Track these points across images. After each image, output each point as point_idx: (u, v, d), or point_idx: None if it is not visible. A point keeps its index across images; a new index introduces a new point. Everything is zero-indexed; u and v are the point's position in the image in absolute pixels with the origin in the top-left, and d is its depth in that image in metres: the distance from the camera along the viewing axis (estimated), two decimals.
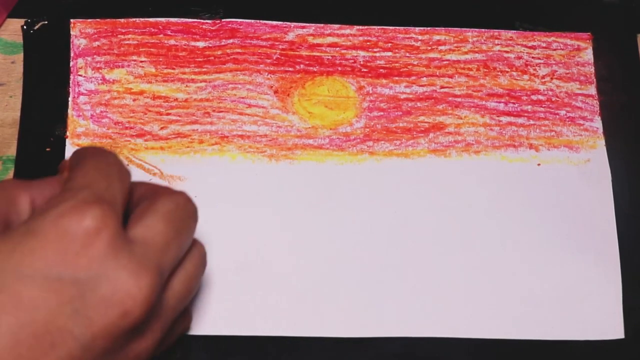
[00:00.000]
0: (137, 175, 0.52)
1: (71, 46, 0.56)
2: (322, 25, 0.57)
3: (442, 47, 0.57)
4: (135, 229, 0.39)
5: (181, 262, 0.41)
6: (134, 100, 0.54)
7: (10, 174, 0.52)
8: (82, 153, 0.42)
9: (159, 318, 0.39)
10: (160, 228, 0.39)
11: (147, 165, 0.53)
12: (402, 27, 0.57)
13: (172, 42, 0.56)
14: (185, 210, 0.41)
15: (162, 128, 0.54)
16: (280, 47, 0.56)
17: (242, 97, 0.55)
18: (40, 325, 0.35)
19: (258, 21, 0.57)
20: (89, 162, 0.40)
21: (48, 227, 0.36)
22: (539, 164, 0.54)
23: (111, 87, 0.55)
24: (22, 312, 0.35)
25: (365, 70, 0.56)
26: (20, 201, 0.40)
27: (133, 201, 0.42)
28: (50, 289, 0.35)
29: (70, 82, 0.55)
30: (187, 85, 0.55)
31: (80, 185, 0.38)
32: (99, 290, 0.36)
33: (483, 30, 0.58)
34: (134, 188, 0.42)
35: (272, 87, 0.55)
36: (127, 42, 0.56)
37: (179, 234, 0.40)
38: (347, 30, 0.57)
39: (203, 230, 0.51)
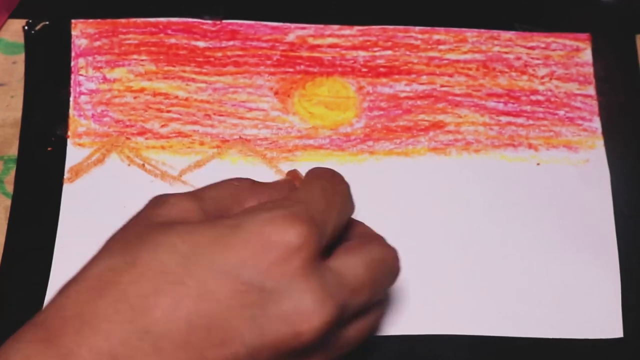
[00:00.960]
0: (138, 176, 0.52)
1: (72, 46, 0.56)
2: (322, 26, 0.57)
3: (442, 47, 0.57)
4: (336, 261, 0.39)
5: (364, 313, 0.41)
6: (135, 97, 0.55)
7: (12, 174, 0.52)
8: (318, 172, 0.42)
9: (325, 351, 0.39)
10: (360, 270, 0.39)
11: (149, 166, 0.53)
12: (402, 27, 0.57)
13: (172, 41, 0.56)
14: (390, 266, 0.41)
15: (162, 126, 0.54)
16: (281, 48, 0.57)
17: (243, 101, 0.55)
18: (216, 320, 0.35)
19: (258, 22, 0.57)
20: (318, 182, 0.41)
21: (253, 228, 0.37)
22: (538, 164, 0.54)
23: (112, 86, 0.55)
24: (204, 302, 0.35)
25: (365, 70, 0.56)
26: (246, 203, 0.41)
27: (346, 236, 0.42)
28: (237, 288, 0.36)
29: (72, 81, 0.55)
30: (187, 84, 0.55)
31: (299, 199, 0.39)
32: (280, 304, 0.36)
33: (482, 30, 0.58)
34: (353, 224, 0.43)
35: (272, 88, 0.56)
36: (128, 41, 0.56)
37: (375, 285, 0.40)
38: (347, 30, 0.57)
39: None
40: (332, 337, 0.39)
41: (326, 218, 0.39)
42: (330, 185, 0.41)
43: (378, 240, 0.42)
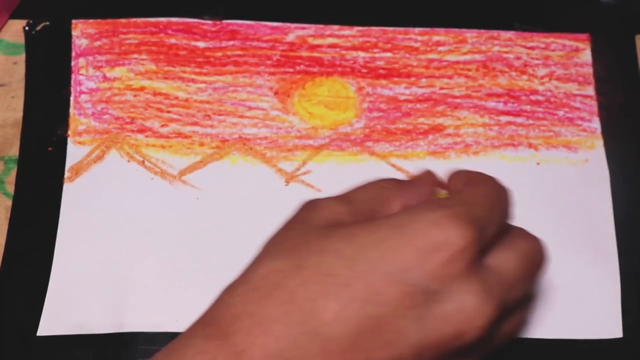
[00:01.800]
0: (137, 173, 0.52)
1: (72, 46, 0.56)
2: (322, 26, 0.57)
3: (442, 48, 0.57)
4: (492, 258, 0.39)
5: (518, 306, 0.42)
6: (135, 96, 0.55)
7: (13, 174, 0.52)
8: (481, 177, 0.43)
9: (482, 347, 0.40)
10: (514, 265, 0.40)
11: (149, 163, 0.53)
12: (401, 28, 0.58)
13: (172, 41, 0.56)
14: (539, 257, 0.42)
15: (162, 125, 0.54)
16: (281, 48, 0.57)
17: (243, 100, 0.55)
18: (383, 321, 0.36)
19: (258, 22, 0.57)
20: (483, 186, 0.41)
21: (417, 229, 0.37)
22: (538, 164, 0.54)
23: (112, 85, 0.55)
24: (371, 304, 0.36)
25: (365, 71, 0.56)
26: (392, 203, 0.41)
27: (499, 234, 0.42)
28: (403, 290, 0.36)
29: (72, 81, 0.55)
30: (187, 85, 0.55)
31: (464, 201, 0.39)
32: (444, 305, 0.37)
33: (482, 30, 0.58)
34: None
35: (272, 88, 0.56)
36: (128, 41, 0.56)
37: (528, 278, 0.41)
38: (347, 31, 0.57)
39: (204, 232, 0.51)
40: (491, 335, 0.39)
41: (488, 222, 0.39)
42: (494, 191, 0.41)
43: (524, 233, 0.42)
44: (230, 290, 0.38)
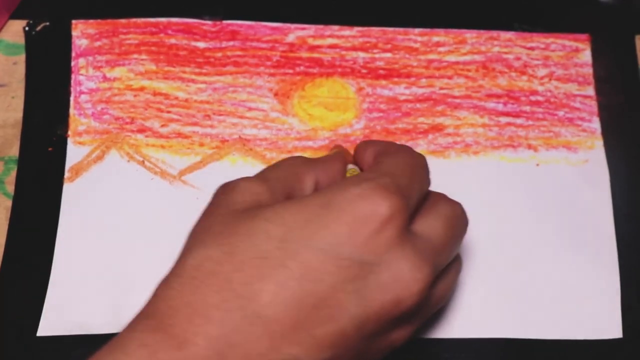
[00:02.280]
0: (137, 173, 0.53)
1: (72, 46, 0.56)
2: (322, 26, 0.57)
3: (441, 49, 0.57)
4: (418, 225, 0.40)
5: (446, 268, 0.43)
6: (135, 96, 0.55)
7: (13, 175, 0.52)
8: (395, 147, 0.45)
9: (420, 312, 0.41)
10: (440, 230, 0.41)
11: (149, 163, 0.53)
12: (401, 29, 0.58)
13: (172, 41, 0.56)
14: (462, 220, 0.43)
15: (162, 125, 0.54)
16: (280, 48, 0.57)
17: (243, 101, 0.55)
18: (322, 297, 0.36)
19: (258, 23, 0.57)
20: (401, 156, 0.42)
21: (344, 204, 0.38)
22: (537, 164, 0.54)
23: (112, 85, 0.55)
24: (308, 281, 0.36)
25: (365, 71, 0.56)
26: (306, 179, 0.42)
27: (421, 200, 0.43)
28: (338, 265, 0.37)
29: (72, 81, 0.55)
30: (187, 85, 0.55)
31: (385, 171, 0.40)
32: (380, 275, 0.37)
33: (482, 31, 0.58)
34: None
35: (272, 89, 0.56)
36: (128, 41, 0.56)
37: (454, 239, 0.42)
38: (347, 31, 0.57)
39: None
40: (427, 299, 0.40)
41: (411, 189, 0.40)
42: (412, 159, 0.42)
43: (443, 198, 0.43)
44: (165, 283, 0.38)
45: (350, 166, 0.45)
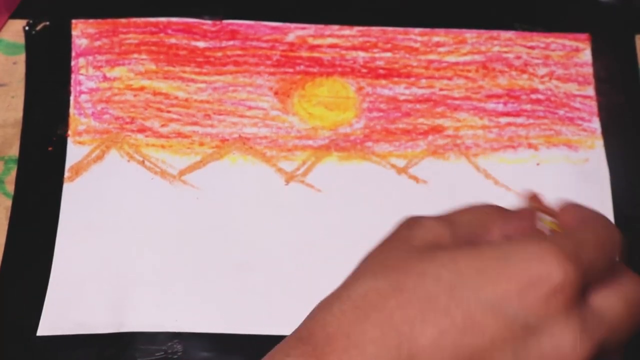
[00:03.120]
0: (137, 173, 0.53)
1: (72, 46, 0.56)
2: (322, 26, 0.57)
3: (441, 49, 0.57)
4: (594, 299, 0.39)
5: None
6: (135, 95, 0.55)
7: (13, 174, 0.52)
8: (595, 216, 0.42)
9: None
10: (619, 309, 0.39)
11: (149, 163, 0.53)
12: (401, 28, 0.58)
13: (172, 40, 0.56)
14: None
15: (162, 125, 0.54)
16: (280, 48, 0.57)
17: (243, 100, 0.55)
18: (478, 352, 0.36)
19: (258, 22, 0.57)
20: (594, 226, 0.40)
21: (520, 262, 0.37)
22: (538, 164, 0.54)
23: (112, 84, 0.55)
24: (468, 334, 0.36)
25: (365, 71, 0.56)
26: (493, 230, 0.41)
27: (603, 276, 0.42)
28: (501, 322, 0.36)
29: (72, 81, 0.55)
30: (187, 85, 0.55)
31: (572, 238, 0.38)
32: (540, 341, 0.36)
33: (482, 31, 0.58)
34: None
35: (272, 88, 0.56)
36: (128, 41, 0.56)
37: (633, 323, 0.40)
38: (347, 31, 0.57)
39: (204, 232, 0.51)
40: None
41: (594, 264, 0.38)
42: (605, 232, 0.40)
43: (631, 275, 0.41)
44: (326, 307, 0.37)
45: (549, 219, 0.43)
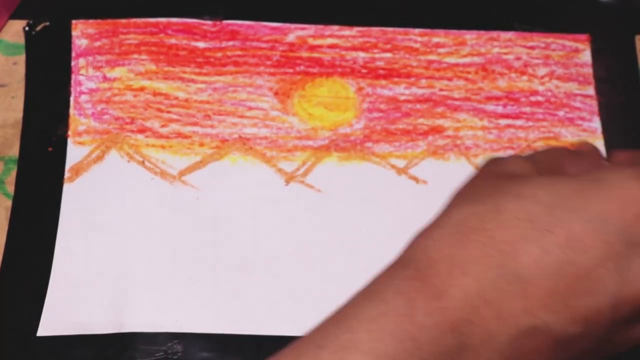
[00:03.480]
0: (137, 173, 0.53)
1: (72, 46, 0.56)
2: (322, 26, 0.57)
3: (441, 50, 0.57)
4: None
5: None
6: (135, 96, 0.55)
7: (13, 175, 0.52)
8: None
9: None
10: None
11: (149, 163, 0.53)
12: (401, 29, 0.58)
13: (172, 41, 0.56)
14: None
15: (162, 126, 0.54)
16: (281, 48, 0.57)
17: (243, 100, 0.55)
18: (583, 269, 0.36)
19: (258, 23, 0.57)
20: None
21: (617, 182, 0.37)
22: None
23: (112, 85, 0.55)
24: (572, 251, 0.36)
25: (365, 71, 0.56)
26: (569, 166, 0.42)
27: None
28: (605, 239, 0.36)
29: (72, 81, 0.55)
30: (187, 85, 0.55)
31: None
32: None
33: (482, 32, 0.58)
34: None
35: (272, 89, 0.56)
36: (128, 41, 0.56)
37: None
38: (347, 31, 0.57)
39: (204, 232, 0.51)
40: None
41: None
42: None
43: None
44: (426, 234, 0.38)
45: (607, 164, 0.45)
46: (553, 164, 0.42)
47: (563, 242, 0.36)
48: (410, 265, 0.37)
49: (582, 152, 0.44)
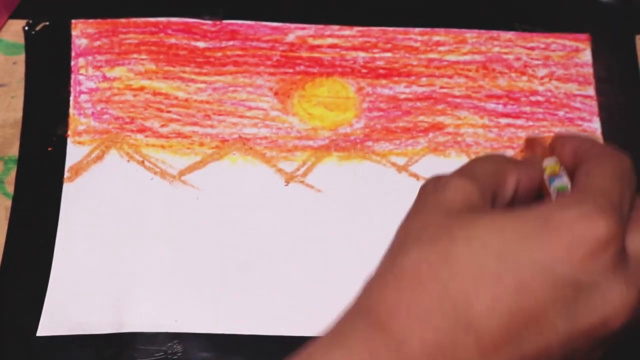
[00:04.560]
0: (137, 173, 0.53)
1: (72, 46, 0.56)
2: (322, 26, 0.57)
3: (442, 48, 0.57)
4: (630, 243, 0.39)
5: None
6: (135, 96, 0.55)
7: (12, 175, 0.52)
8: (599, 149, 0.43)
9: (624, 332, 0.40)
10: None
11: (148, 163, 0.53)
12: (401, 28, 0.58)
13: (172, 40, 0.56)
14: None
15: (162, 125, 0.54)
16: (280, 48, 0.57)
17: (243, 100, 0.55)
18: (533, 314, 0.37)
19: (258, 22, 0.57)
20: (609, 164, 0.41)
21: (563, 224, 0.37)
22: None
23: (112, 84, 0.55)
24: (521, 297, 0.36)
25: (365, 71, 0.56)
26: (509, 180, 0.42)
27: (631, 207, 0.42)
28: (551, 283, 0.37)
29: (72, 81, 0.55)
30: (187, 85, 0.55)
31: (599, 189, 0.39)
32: (590, 296, 0.37)
33: (482, 31, 0.58)
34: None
35: (272, 89, 0.56)
36: (128, 41, 0.56)
37: None
38: (347, 31, 0.57)
39: (204, 232, 0.51)
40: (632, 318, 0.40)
41: (624, 204, 0.40)
42: (619, 166, 0.41)
43: None
44: (380, 281, 0.38)
45: (549, 161, 0.45)
46: (493, 179, 0.42)
47: (513, 288, 0.37)
48: (372, 313, 0.37)
49: (521, 163, 0.44)
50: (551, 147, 0.46)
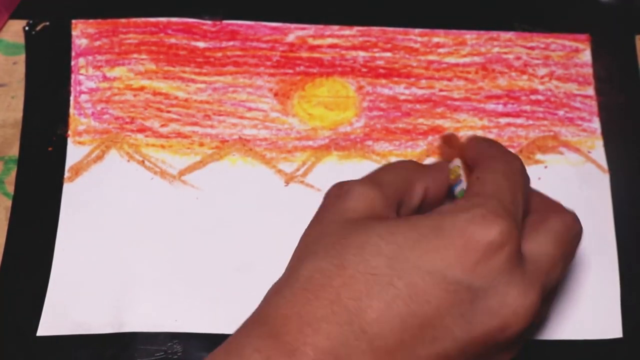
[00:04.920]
0: (137, 173, 0.53)
1: (72, 46, 0.56)
2: (322, 26, 0.57)
3: (441, 50, 0.57)
4: (527, 245, 0.40)
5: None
6: (135, 95, 0.55)
7: (13, 175, 0.52)
8: (491, 151, 0.43)
9: (524, 337, 0.40)
10: (551, 249, 0.40)
11: (148, 163, 0.53)
12: (401, 29, 0.58)
13: (172, 40, 0.56)
14: (573, 233, 0.42)
15: (162, 125, 0.54)
16: (280, 48, 0.57)
17: (242, 101, 0.55)
18: (427, 319, 0.37)
19: (258, 23, 0.57)
20: (499, 167, 0.42)
21: (455, 229, 0.38)
22: (537, 163, 0.54)
23: (112, 84, 0.55)
24: (414, 303, 0.37)
25: (365, 70, 0.56)
26: (417, 186, 0.43)
27: (525, 209, 0.42)
28: (446, 288, 0.37)
29: (72, 81, 0.55)
30: (187, 85, 0.55)
31: (490, 193, 0.40)
32: (487, 300, 0.38)
33: (482, 32, 0.58)
34: (529, 196, 0.43)
35: (272, 90, 0.56)
36: (128, 41, 0.56)
37: (564, 257, 0.41)
38: (347, 31, 0.57)
39: (204, 232, 0.51)
40: (532, 323, 0.40)
41: (517, 206, 0.40)
42: (509, 168, 0.42)
43: (555, 208, 0.43)
44: (277, 292, 0.39)
45: (454, 164, 0.45)
46: (400, 184, 0.42)
47: (405, 294, 0.37)
48: (266, 322, 0.38)
49: (428, 168, 0.45)
50: (465, 148, 0.46)
